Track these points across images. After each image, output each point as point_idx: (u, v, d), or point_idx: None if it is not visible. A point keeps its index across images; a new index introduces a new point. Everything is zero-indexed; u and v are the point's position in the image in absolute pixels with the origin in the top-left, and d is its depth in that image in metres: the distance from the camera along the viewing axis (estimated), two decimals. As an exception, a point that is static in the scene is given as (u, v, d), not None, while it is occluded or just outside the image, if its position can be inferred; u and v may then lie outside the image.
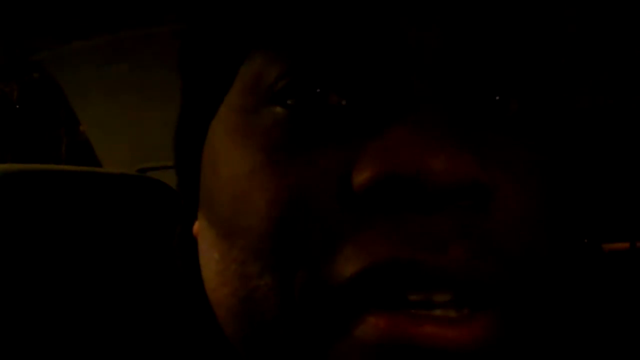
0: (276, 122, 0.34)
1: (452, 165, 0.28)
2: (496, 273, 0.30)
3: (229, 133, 0.37)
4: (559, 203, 0.35)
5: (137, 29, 1.10)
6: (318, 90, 0.33)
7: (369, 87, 0.33)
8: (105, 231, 0.86)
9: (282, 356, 0.32)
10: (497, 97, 0.34)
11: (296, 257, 0.31)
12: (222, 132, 0.37)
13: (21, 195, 0.79)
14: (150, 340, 0.78)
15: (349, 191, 0.31)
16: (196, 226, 0.42)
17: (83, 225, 0.84)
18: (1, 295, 0.73)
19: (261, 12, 0.36)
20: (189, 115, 0.43)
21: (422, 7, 0.33)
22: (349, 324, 0.30)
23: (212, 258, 0.36)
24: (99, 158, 1.40)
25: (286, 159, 0.33)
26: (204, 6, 0.42)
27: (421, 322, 0.28)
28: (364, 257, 0.29)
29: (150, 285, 0.83)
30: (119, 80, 1.25)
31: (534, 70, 0.35)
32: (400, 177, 0.29)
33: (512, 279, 0.31)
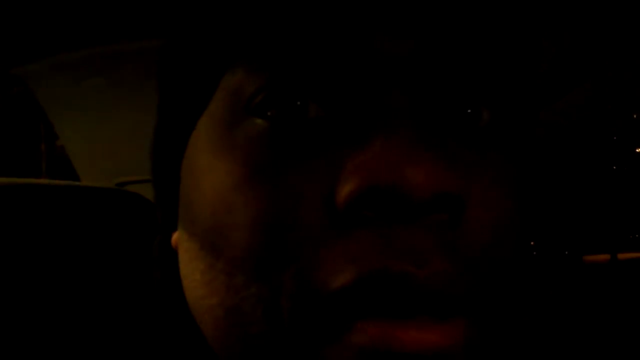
0: (257, 134, 0.34)
1: (430, 177, 0.29)
2: (471, 285, 0.31)
3: (209, 146, 0.37)
4: (529, 213, 0.36)
5: (114, 45, 1.10)
6: (298, 102, 0.34)
7: (347, 99, 0.33)
8: (84, 244, 0.86)
9: None
10: (469, 110, 0.35)
11: (283, 268, 0.32)
12: (202, 145, 0.38)
13: (0, 209, 0.79)
14: (129, 351, 0.77)
15: (332, 204, 0.31)
16: (175, 238, 0.42)
17: (62, 238, 0.84)
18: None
19: (242, 25, 0.36)
20: (167, 128, 0.43)
21: (397, 19, 0.33)
22: (339, 332, 0.30)
23: (196, 269, 0.36)
24: (77, 172, 1.39)
25: (269, 173, 0.33)
26: (185, 19, 0.42)
27: (406, 327, 0.29)
28: (351, 269, 0.30)
29: (129, 297, 0.83)
30: (97, 95, 1.25)
31: (505, 81, 0.35)
32: (380, 190, 0.30)
33: (484, 288, 0.32)
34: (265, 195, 0.32)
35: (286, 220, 0.32)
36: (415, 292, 0.29)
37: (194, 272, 0.37)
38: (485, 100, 0.35)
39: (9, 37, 1.10)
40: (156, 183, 0.46)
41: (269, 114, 0.34)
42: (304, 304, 0.31)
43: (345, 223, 0.31)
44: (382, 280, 0.29)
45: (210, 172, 0.36)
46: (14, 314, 0.75)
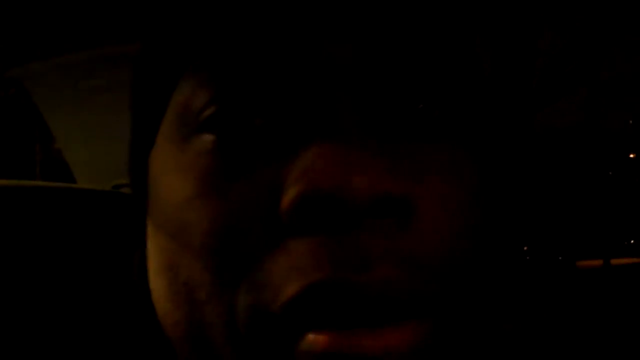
0: (206, 150, 0.34)
1: (369, 181, 0.29)
2: (421, 288, 0.31)
3: (164, 163, 0.37)
4: (489, 209, 0.35)
5: (112, 47, 1.10)
6: (244, 115, 0.34)
7: (291, 109, 0.33)
8: (80, 245, 0.86)
9: None
10: (420, 105, 0.34)
11: (236, 283, 0.32)
12: (159, 163, 0.38)
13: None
14: (119, 353, 0.77)
15: (277, 214, 0.31)
16: None
17: (58, 240, 0.84)
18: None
19: (185, 38, 0.36)
20: (134, 144, 0.43)
21: (336, 24, 0.33)
22: (291, 343, 0.30)
23: (162, 284, 0.37)
24: (74, 174, 1.39)
25: (219, 187, 0.33)
26: (142, 36, 0.42)
27: (357, 334, 0.29)
28: (295, 282, 0.30)
29: (124, 300, 0.83)
30: (94, 97, 1.25)
31: (450, 75, 0.35)
32: (320, 196, 0.29)
33: (438, 289, 0.32)
34: (216, 210, 0.33)
35: (236, 235, 0.32)
36: (358, 299, 0.29)
37: (159, 287, 0.37)
38: (434, 95, 0.34)
39: (6, 38, 1.10)
40: (132, 196, 0.46)
41: (216, 130, 0.34)
42: (256, 320, 0.31)
43: (289, 233, 0.31)
44: (324, 290, 0.29)
45: (166, 188, 0.36)
46: (8, 315, 0.75)
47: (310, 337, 0.30)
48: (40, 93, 1.28)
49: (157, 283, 0.38)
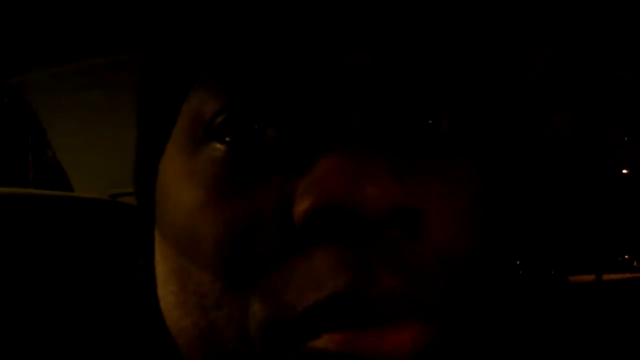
0: (217, 159, 0.34)
1: (383, 193, 0.30)
2: (429, 296, 0.32)
3: (174, 172, 0.37)
4: (493, 220, 0.36)
5: (112, 56, 1.10)
6: (255, 125, 0.34)
7: (303, 119, 0.34)
8: (76, 254, 0.86)
9: None
10: (430, 121, 0.35)
11: (250, 289, 0.32)
12: (169, 172, 0.38)
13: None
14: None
15: (291, 224, 0.32)
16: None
17: (55, 249, 0.84)
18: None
19: (199, 48, 0.37)
20: (141, 150, 0.44)
21: (349, 37, 0.34)
22: (304, 345, 0.31)
23: (170, 291, 0.37)
24: (71, 183, 1.39)
25: (231, 196, 0.33)
26: (149, 43, 0.43)
27: (367, 335, 0.30)
28: (312, 290, 0.31)
29: (121, 310, 0.83)
30: (93, 106, 1.25)
31: (462, 91, 0.36)
32: (332, 208, 0.30)
33: (447, 299, 0.33)
34: (227, 218, 0.33)
35: (249, 242, 0.32)
36: (372, 308, 0.30)
37: (167, 294, 0.38)
38: (444, 110, 0.35)
39: (6, 47, 1.10)
40: (138, 204, 0.46)
41: (227, 139, 0.34)
42: (271, 328, 0.32)
43: (303, 241, 0.31)
44: (342, 300, 0.30)
45: (176, 197, 0.37)
46: (5, 325, 0.75)
47: (325, 336, 0.31)
48: (38, 101, 1.28)
49: (165, 290, 0.38)
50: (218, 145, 0.35)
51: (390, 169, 0.31)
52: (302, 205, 0.31)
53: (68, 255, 0.86)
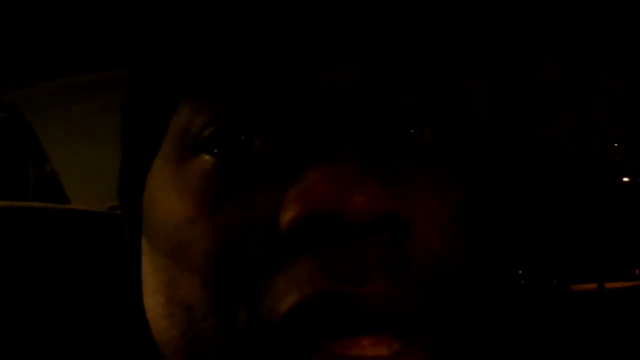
0: (205, 170, 0.35)
1: (368, 200, 0.31)
2: (417, 302, 0.32)
3: (162, 185, 0.38)
4: (476, 226, 0.36)
5: (106, 71, 1.11)
6: (242, 137, 0.35)
7: (289, 131, 0.34)
8: (74, 267, 0.86)
9: None
10: (412, 130, 0.36)
11: (237, 299, 0.33)
12: (157, 184, 0.39)
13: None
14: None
15: (277, 232, 0.33)
16: None
17: (52, 262, 0.84)
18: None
19: (184, 65, 0.37)
20: (127, 165, 0.44)
21: (333, 52, 0.34)
22: (291, 353, 0.32)
23: (157, 303, 0.37)
24: (69, 196, 1.38)
25: (218, 207, 0.34)
26: (136, 58, 0.43)
27: (353, 343, 0.31)
28: (293, 293, 0.32)
29: (118, 322, 0.83)
30: (89, 120, 1.25)
31: (443, 101, 0.37)
32: (319, 216, 0.31)
33: (434, 305, 0.33)
34: (216, 230, 0.34)
35: (236, 252, 0.34)
36: (355, 311, 0.31)
37: (155, 305, 0.38)
38: (425, 119, 0.36)
39: (1, 64, 1.10)
40: (124, 217, 0.46)
41: (215, 150, 0.35)
42: (256, 332, 0.32)
43: (289, 250, 0.33)
44: (321, 302, 0.31)
45: (165, 209, 0.37)
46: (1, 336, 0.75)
47: (323, 346, 0.31)
48: (35, 116, 1.29)
49: (152, 301, 0.38)
50: (206, 157, 0.35)
51: (375, 177, 0.31)
52: (289, 214, 0.31)
53: (66, 267, 0.86)
